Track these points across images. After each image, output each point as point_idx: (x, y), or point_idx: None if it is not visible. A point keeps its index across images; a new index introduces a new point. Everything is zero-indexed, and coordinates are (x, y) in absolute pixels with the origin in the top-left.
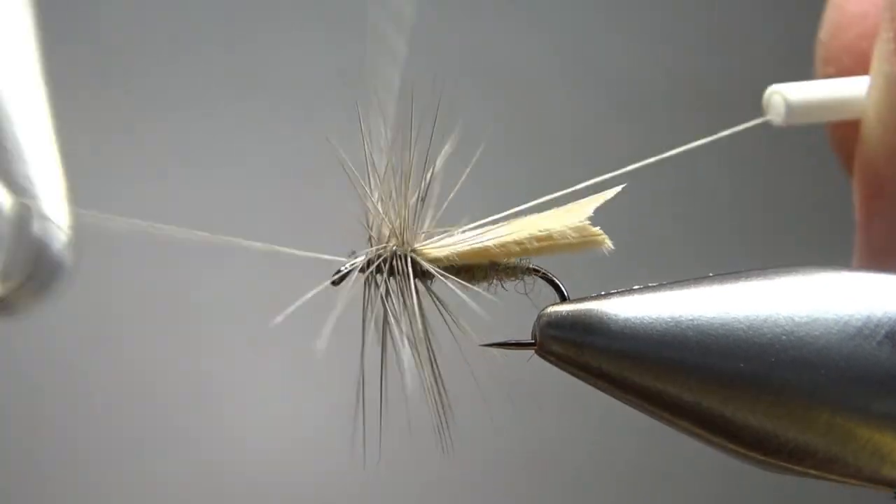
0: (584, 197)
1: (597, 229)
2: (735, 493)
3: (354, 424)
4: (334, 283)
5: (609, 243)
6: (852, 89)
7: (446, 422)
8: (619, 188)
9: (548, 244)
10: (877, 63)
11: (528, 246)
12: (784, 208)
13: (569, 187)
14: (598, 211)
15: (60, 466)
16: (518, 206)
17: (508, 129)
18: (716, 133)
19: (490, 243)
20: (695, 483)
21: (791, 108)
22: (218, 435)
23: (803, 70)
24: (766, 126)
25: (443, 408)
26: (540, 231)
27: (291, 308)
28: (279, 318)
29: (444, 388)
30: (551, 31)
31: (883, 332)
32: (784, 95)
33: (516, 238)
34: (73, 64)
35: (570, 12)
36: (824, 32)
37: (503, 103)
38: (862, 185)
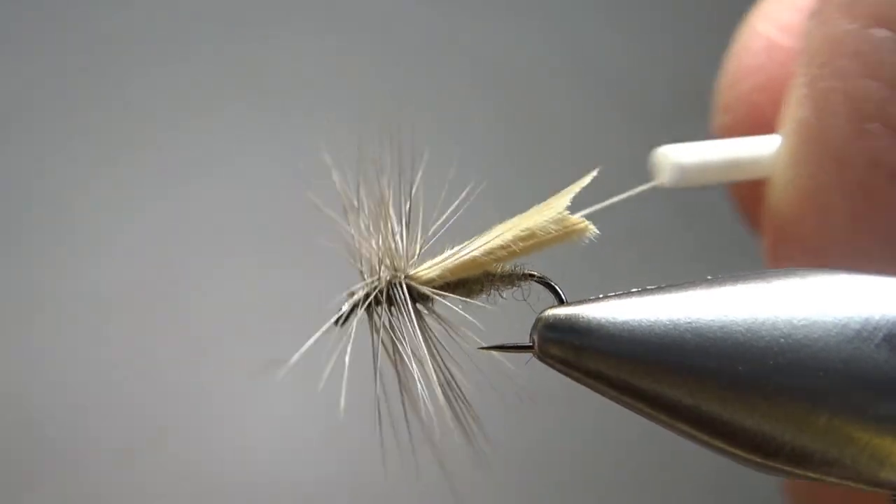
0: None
1: (577, 217)
2: (733, 493)
3: (361, 435)
4: (339, 325)
5: (593, 229)
6: (743, 150)
7: (475, 434)
8: (593, 174)
9: (533, 242)
10: (790, 108)
11: (514, 247)
12: None
13: (568, 187)
14: (596, 215)
15: (58, 471)
16: (518, 206)
17: (508, 130)
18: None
19: (477, 252)
20: (693, 484)
21: (680, 172)
22: (217, 438)
23: None
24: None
25: (469, 421)
26: (522, 231)
27: (298, 354)
28: (294, 358)
29: (466, 402)
30: (551, 32)
31: (881, 334)
32: (671, 159)
33: (501, 242)
34: (71, 63)
35: (571, 12)
36: (722, 81)
37: (503, 103)
38: (771, 230)
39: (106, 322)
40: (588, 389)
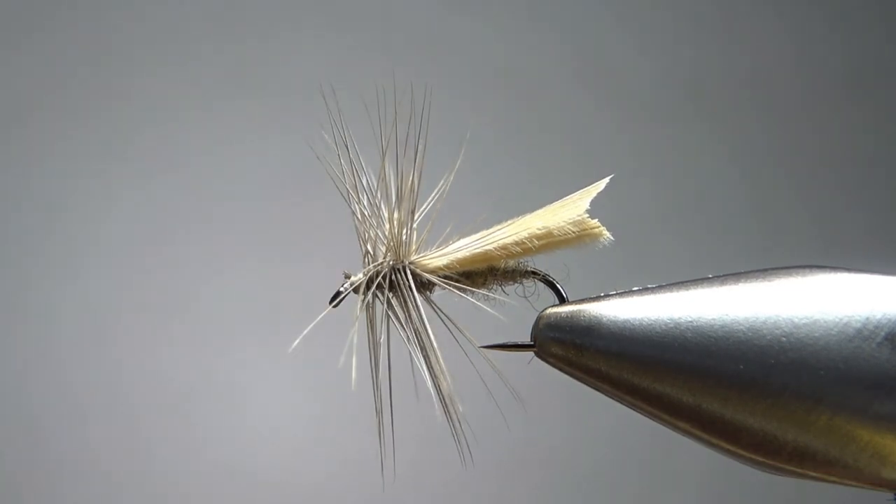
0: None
1: (595, 221)
2: (736, 493)
3: (361, 431)
4: (334, 305)
5: (608, 234)
6: None
7: (462, 431)
8: (608, 179)
9: (547, 241)
10: None
11: (529, 245)
12: (783, 211)
13: (569, 187)
14: (599, 215)
15: (71, 464)
16: (520, 206)
17: (508, 130)
18: (720, 133)
19: (490, 246)
20: (696, 484)
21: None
22: (228, 435)
23: (803, 69)
24: (769, 131)
25: (458, 418)
26: (539, 229)
27: (304, 332)
28: (294, 343)
29: (456, 397)
30: (552, 32)
31: (883, 333)
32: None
33: (516, 239)
34: (71, 64)
35: (571, 13)
36: None
37: (503, 104)
38: None
39: (106, 323)
40: (588, 388)
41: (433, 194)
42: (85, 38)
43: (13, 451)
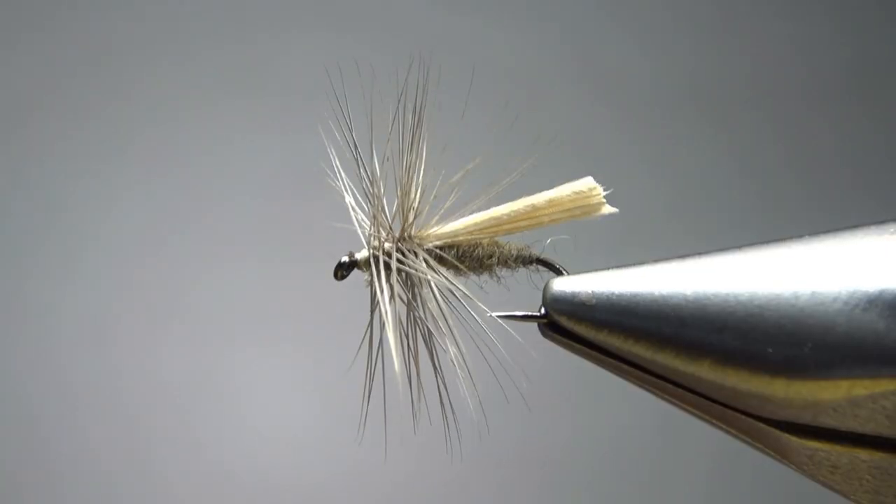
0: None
1: (600, 189)
2: (737, 491)
3: (359, 423)
4: (338, 277)
5: (610, 207)
6: None
7: (452, 420)
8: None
9: (556, 207)
10: None
11: (537, 204)
12: (784, 212)
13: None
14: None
15: (71, 464)
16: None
17: (508, 130)
18: (719, 132)
19: (502, 211)
20: (696, 485)
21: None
22: (228, 435)
23: (803, 69)
24: (769, 131)
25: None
26: (548, 199)
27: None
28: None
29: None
30: (553, 31)
31: (869, 300)
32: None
33: (526, 202)
34: (71, 64)
35: (571, 13)
36: None
37: (503, 104)
38: None
39: (106, 323)
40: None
41: (436, 182)
42: (85, 38)
43: (13, 451)
